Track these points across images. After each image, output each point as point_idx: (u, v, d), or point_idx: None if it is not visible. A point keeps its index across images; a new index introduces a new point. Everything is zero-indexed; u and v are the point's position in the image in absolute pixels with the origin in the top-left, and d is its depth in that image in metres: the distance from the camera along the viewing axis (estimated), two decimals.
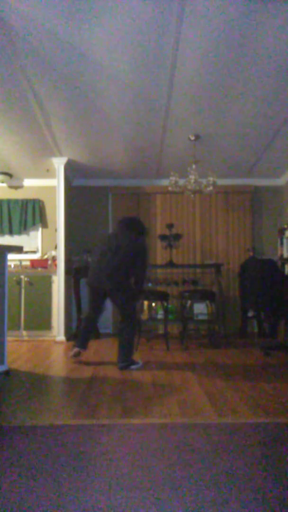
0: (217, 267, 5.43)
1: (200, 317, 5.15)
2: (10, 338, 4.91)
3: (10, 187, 6.48)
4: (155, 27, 2.90)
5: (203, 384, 3.24)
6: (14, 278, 5.56)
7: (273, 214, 6.56)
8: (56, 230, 5.85)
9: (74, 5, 2.69)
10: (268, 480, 1.69)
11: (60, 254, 5.66)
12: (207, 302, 5.16)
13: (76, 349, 4.14)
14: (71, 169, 5.97)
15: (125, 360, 3.84)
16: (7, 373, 3.50)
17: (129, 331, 3.92)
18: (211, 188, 4.98)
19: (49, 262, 6.02)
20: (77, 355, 4.14)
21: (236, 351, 4.75)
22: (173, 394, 2.97)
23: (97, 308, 4.19)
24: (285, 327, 5.31)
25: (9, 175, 6.19)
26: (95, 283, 4.03)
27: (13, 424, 2.37)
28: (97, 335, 5.84)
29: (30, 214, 6.41)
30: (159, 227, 6.42)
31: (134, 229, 4.06)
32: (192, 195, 5.30)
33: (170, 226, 5.71)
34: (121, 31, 2.96)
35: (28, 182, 6.50)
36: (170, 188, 5.03)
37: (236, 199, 6.50)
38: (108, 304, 6.35)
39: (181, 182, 5.07)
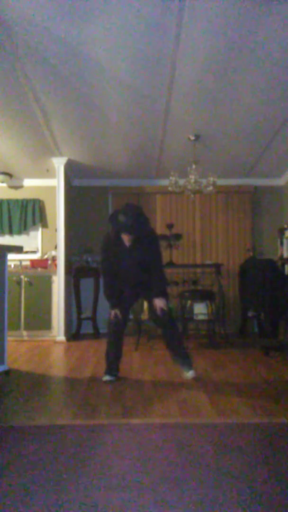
0: (217, 267, 5.42)
1: (200, 317, 5.13)
2: (10, 338, 4.90)
3: (10, 187, 6.48)
4: (155, 27, 2.90)
5: (203, 384, 3.24)
6: (14, 278, 5.55)
7: (273, 214, 6.55)
8: (56, 230, 5.84)
9: (74, 5, 2.69)
10: (268, 480, 1.69)
11: (60, 254, 5.66)
12: (207, 302, 5.15)
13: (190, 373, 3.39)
14: (71, 169, 5.97)
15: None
16: (7, 373, 3.50)
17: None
18: (211, 188, 4.98)
19: (49, 262, 6.02)
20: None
21: (236, 351, 4.75)
22: (173, 394, 2.97)
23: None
24: (285, 327, 5.31)
25: (9, 175, 6.18)
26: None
27: (13, 424, 2.37)
28: (97, 335, 5.85)
29: (30, 214, 6.40)
30: (159, 227, 6.41)
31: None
32: (192, 195, 5.29)
33: (170, 226, 5.72)
34: (121, 31, 2.96)
35: (28, 182, 6.50)
36: (170, 188, 5.03)
37: (236, 199, 6.50)
38: (107, 304, 6.35)
39: (181, 182, 5.07)
